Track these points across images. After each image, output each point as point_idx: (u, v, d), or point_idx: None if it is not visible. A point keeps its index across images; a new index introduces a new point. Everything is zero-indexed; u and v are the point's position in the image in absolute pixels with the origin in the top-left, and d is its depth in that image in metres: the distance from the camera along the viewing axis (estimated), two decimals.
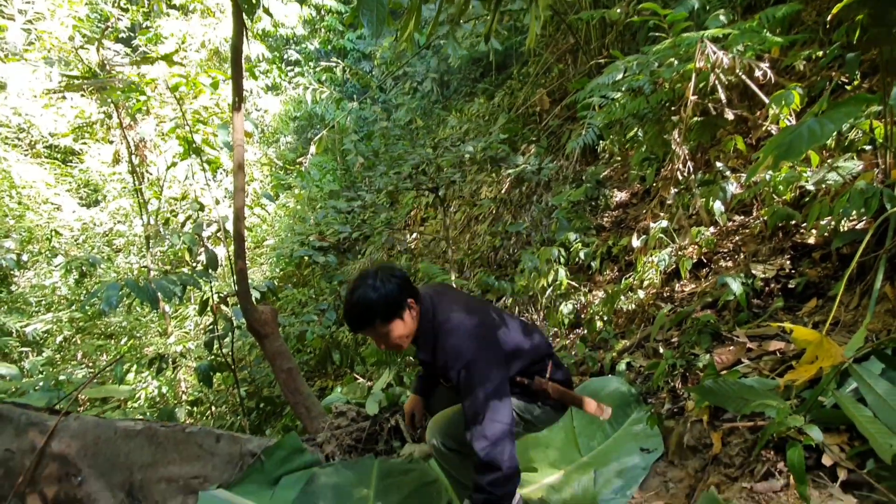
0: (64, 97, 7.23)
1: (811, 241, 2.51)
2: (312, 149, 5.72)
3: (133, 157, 5.74)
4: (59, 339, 6.52)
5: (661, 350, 2.54)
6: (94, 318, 6.60)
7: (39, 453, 1.85)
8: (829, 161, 2.36)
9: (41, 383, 3.36)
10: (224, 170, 5.57)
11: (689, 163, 2.99)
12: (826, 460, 1.50)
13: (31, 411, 1.99)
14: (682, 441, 2.01)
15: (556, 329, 3.45)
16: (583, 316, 3.35)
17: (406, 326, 1.66)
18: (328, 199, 7.08)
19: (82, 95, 6.99)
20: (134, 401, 5.29)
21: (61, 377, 4.81)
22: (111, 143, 7.50)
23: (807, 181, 2.44)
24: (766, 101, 2.61)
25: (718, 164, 2.98)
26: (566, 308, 3.32)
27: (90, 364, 6.36)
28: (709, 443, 1.91)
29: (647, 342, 2.73)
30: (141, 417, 4.42)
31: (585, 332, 3.20)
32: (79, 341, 6.67)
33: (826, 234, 2.39)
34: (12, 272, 6.85)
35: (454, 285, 4.02)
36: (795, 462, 1.33)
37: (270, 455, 2.24)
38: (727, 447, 1.82)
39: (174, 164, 4.82)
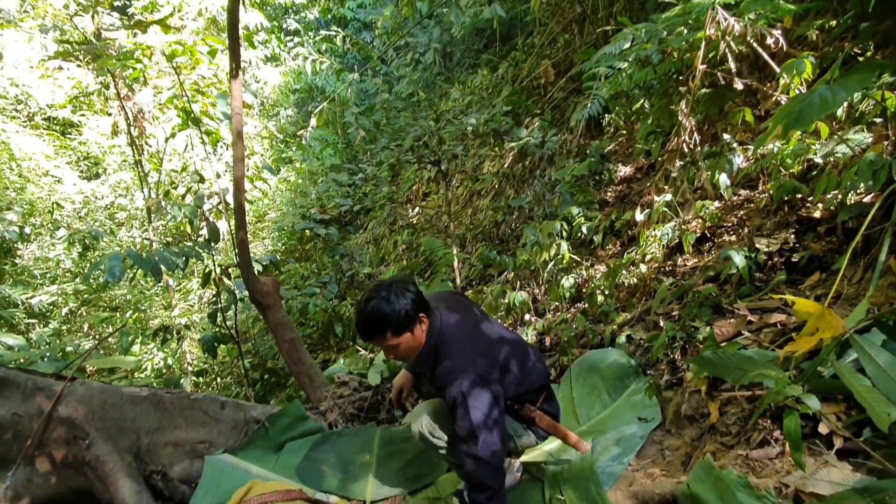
0: (61, 68, 7.12)
1: (817, 214, 2.48)
2: (313, 122, 5.63)
3: (132, 128, 5.67)
4: (65, 311, 6.59)
5: (662, 323, 2.55)
6: (98, 290, 6.65)
7: (47, 417, 1.89)
8: (838, 133, 2.31)
9: (48, 354, 3.41)
10: (224, 143, 5.52)
11: (695, 135, 2.94)
12: (822, 429, 1.52)
13: (37, 377, 2.01)
14: (680, 411, 2.03)
15: (557, 303, 3.46)
16: (584, 290, 3.36)
17: (415, 340, 1.69)
18: (329, 173, 7.02)
19: (78, 66, 6.88)
20: (140, 371, 5.37)
21: (68, 348, 4.88)
22: (109, 114, 7.41)
23: (815, 154, 2.40)
24: (778, 71, 2.55)
25: (726, 137, 2.93)
26: (568, 282, 3.33)
27: (96, 336, 6.44)
28: (706, 412, 1.93)
29: (648, 315, 2.74)
30: (146, 385, 4.50)
31: (586, 305, 3.22)
32: (84, 313, 6.74)
33: (832, 207, 2.36)
34: (16, 245, 6.88)
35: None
36: (792, 429, 1.34)
37: (275, 422, 2.28)
38: (724, 416, 1.84)
39: (173, 135, 4.77)
